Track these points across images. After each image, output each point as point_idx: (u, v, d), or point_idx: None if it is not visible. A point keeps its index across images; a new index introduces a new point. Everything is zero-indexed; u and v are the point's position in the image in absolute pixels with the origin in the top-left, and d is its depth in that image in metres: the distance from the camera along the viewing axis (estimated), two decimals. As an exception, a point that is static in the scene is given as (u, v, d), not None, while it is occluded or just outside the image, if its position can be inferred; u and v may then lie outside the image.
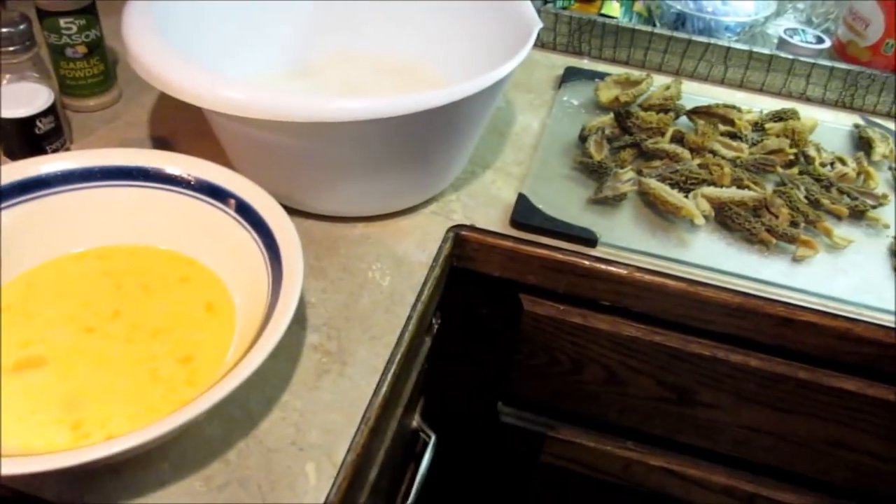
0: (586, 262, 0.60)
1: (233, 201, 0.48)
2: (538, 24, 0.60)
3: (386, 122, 0.50)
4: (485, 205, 0.65)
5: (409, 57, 0.73)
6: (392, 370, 0.50)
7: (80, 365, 0.44)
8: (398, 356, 0.51)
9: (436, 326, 0.65)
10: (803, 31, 0.84)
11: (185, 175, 0.50)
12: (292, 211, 0.60)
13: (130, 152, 0.52)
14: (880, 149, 0.72)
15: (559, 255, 0.61)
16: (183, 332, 0.47)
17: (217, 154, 0.57)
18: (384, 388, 0.49)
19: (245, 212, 0.47)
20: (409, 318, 0.54)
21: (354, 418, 0.47)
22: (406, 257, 0.59)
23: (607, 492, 0.79)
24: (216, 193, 0.49)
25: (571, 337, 0.66)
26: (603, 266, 0.60)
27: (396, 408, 0.56)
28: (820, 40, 0.83)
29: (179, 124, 0.69)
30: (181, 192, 0.51)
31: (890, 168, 0.72)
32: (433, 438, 0.62)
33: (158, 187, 0.51)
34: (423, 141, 0.56)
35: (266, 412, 0.46)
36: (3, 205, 0.48)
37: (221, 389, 0.37)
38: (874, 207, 0.66)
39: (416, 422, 0.64)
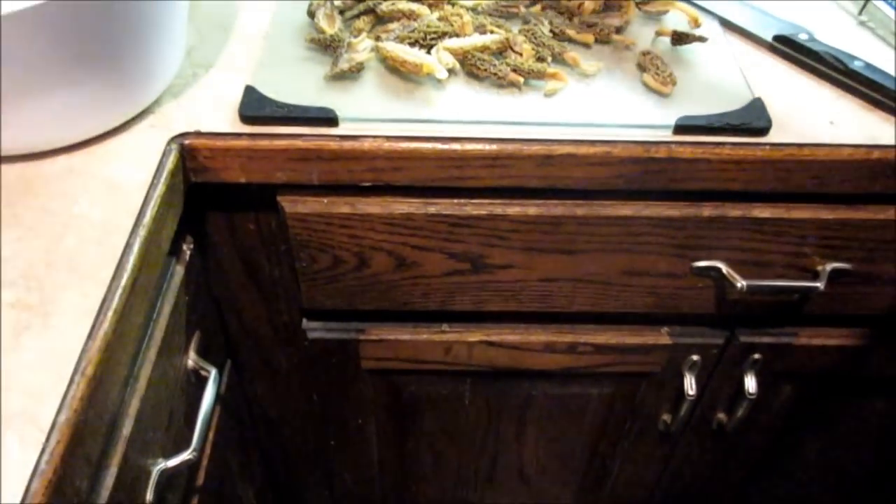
0: (333, 144, 0.55)
1: None
2: None
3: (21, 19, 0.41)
4: (212, 108, 0.57)
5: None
6: (112, 307, 0.43)
7: None
8: (118, 290, 0.44)
9: (188, 252, 0.58)
10: None
11: None
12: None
13: None
14: (621, -28, 0.71)
15: (301, 143, 0.55)
16: None
17: None
18: (104, 328, 0.42)
19: None
20: (129, 244, 0.46)
21: (66, 371, 0.40)
22: (120, 182, 0.51)
23: (440, 381, 0.77)
24: None
25: (345, 230, 0.61)
26: (350, 144, 0.55)
27: (147, 350, 0.50)
28: None
29: None
30: None
31: (632, -11, 0.70)
32: (213, 373, 0.56)
33: None
34: (92, 41, 0.47)
35: (-51, 393, 0.38)
36: None
37: None
38: (618, 31, 0.65)
39: (192, 361, 0.57)
